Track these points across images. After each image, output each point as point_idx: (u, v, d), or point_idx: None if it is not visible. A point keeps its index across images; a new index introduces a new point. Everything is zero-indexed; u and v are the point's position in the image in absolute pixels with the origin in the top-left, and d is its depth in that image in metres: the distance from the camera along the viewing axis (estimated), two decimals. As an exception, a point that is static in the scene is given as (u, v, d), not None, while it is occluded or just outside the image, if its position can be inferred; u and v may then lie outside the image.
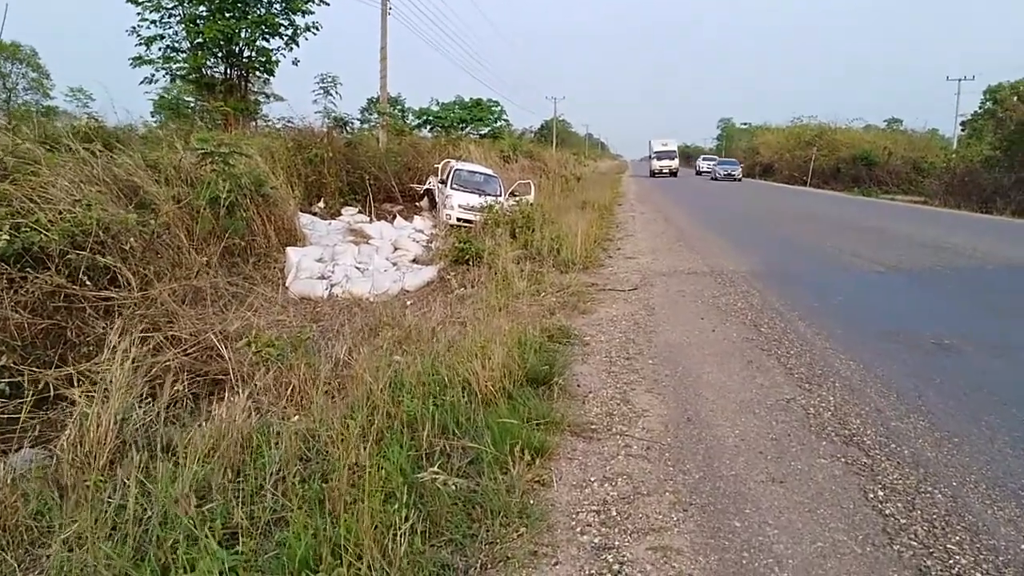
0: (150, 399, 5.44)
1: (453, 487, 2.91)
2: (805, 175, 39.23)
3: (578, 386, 4.43)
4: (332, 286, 9.94)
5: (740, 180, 42.37)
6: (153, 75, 24.17)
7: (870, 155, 36.07)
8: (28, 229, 6.15)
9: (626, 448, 3.46)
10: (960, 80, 43.99)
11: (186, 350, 6.32)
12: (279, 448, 3.76)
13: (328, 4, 25.54)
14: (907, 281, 8.33)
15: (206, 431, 4.10)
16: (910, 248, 11.06)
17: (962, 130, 45.71)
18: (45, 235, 6.21)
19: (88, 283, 6.52)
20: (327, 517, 2.88)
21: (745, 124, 78.49)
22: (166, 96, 14.09)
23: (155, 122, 14.33)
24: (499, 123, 48.43)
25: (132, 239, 7.02)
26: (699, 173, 54.45)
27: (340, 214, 15.47)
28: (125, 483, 3.41)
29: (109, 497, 3.28)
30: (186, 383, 5.60)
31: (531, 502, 2.88)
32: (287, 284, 9.92)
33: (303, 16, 25.19)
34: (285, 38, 26.20)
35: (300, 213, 13.89)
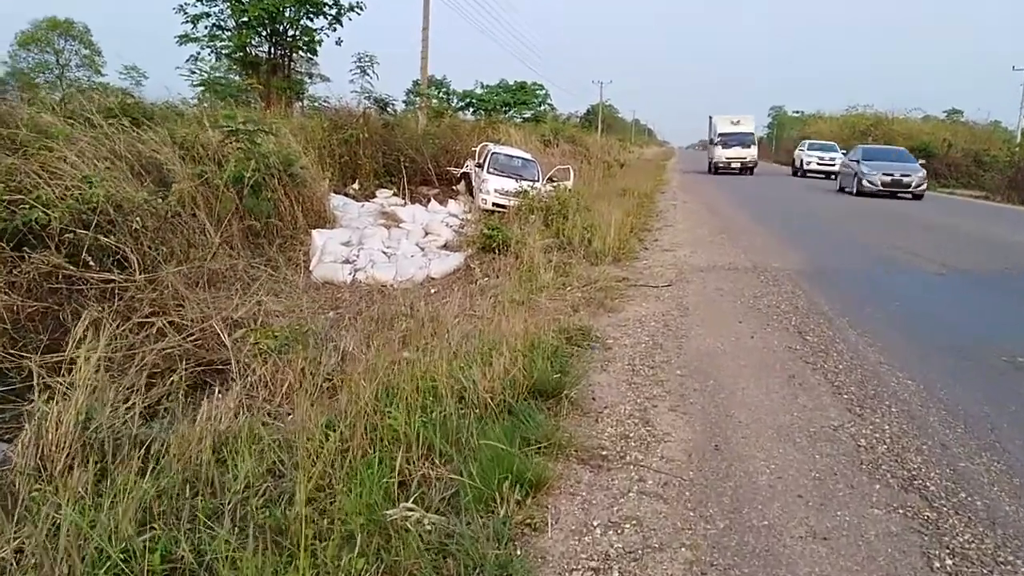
0: (144, 389, 5.18)
1: (428, 527, 2.47)
2: (860, 166, 37.50)
3: (593, 399, 3.91)
4: (356, 271, 9.60)
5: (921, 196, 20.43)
6: (199, 53, 24.23)
7: (929, 147, 34.35)
8: (28, 206, 5.90)
9: (640, 483, 2.95)
10: (1026, 70, 41.47)
11: (190, 336, 6.04)
12: (252, 458, 3.37)
13: (372, -16, 25.19)
14: (972, 285, 7.56)
15: (182, 433, 3.75)
16: (973, 247, 10.18)
17: (1026, 121, 43.23)
18: (44, 213, 5.96)
19: (91, 263, 6.27)
20: (283, 556, 2.48)
21: (797, 112, 75.73)
22: (199, 73, 14.01)
23: (192, 100, 14.16)
24: (543, 107, 47.63)
25: (138, 218, 6.73)
26: (803, 172, 32.16)
27: (374, 196, 15.17)
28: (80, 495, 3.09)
29: (55, 513, 2.94)
30: (185, 372, 5.30)
31: (517, 553, 2.40)
32: (311, 268, 9.62)
33: (348, -5, 24.95)
34: (329, 18, 26.08)
35: (333, 194, 13.65)
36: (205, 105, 14.80)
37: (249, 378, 5.10)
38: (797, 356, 4.75)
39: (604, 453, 3.22)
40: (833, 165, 30.02)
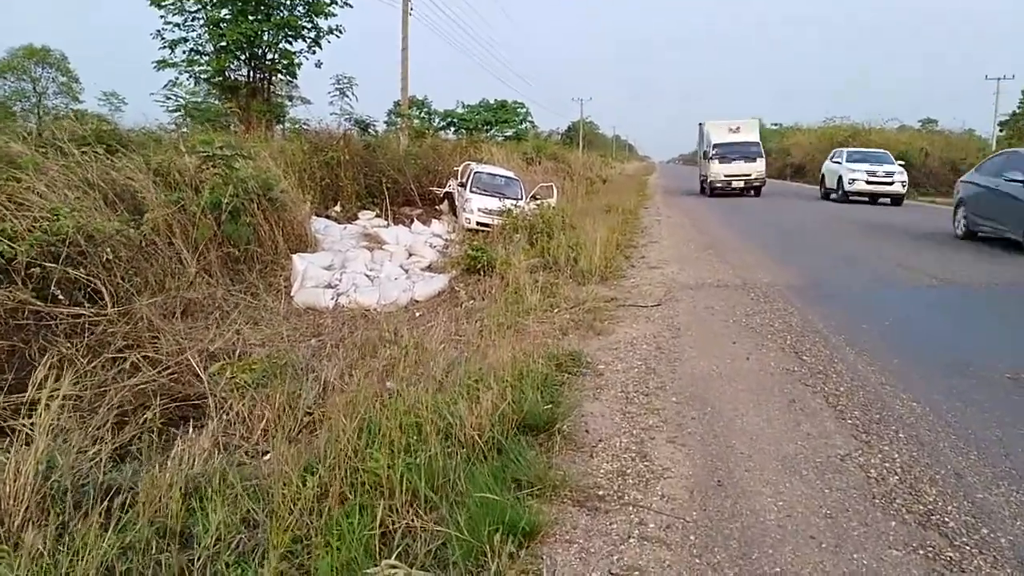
0: (116, 429, 4.93)
1: (412, 586, 2.26)
2: (839, 177, 37.81)
3: (586, 432, 3.72)
4: (339, 295, 9.37)
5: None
6: (177, 78, 24.02)
7: (906, 156, 34.78)
8: (-9, 240, 5.65)
9: (640, 526, 2.75)
10: (999, 79, 42.24)
11: (165, 370, 5.79)
12: (225, 507, 3.14)
13: (351, 6, 25.21)
14: (965, 298, 7.46)
15: (151, 479, 3.51)
16: (961, 257, 10.11)
17: (1000, 130, 43.91)
18: (9, 246, 5.71)
19: (60, 298, 6.02)
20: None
21: (776, 124, 76.51)
22: (175, 99, 13.80)
23: (170, 125, 13.92)
24: (524, 125, 47.78)
25: (109, 249, 6.48)
26: (843, 194, 22.51)
27: (357, 218, 14.99)
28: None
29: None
30: (159, 409, 5.05)
31: (510, 615, 2.20)
32: (292, 293, 9.38)
33: (326, 19, 24.96)
34: (308, 41, 26.02)
35: (315, 217, 13.46)
36: (184, 130, 14.56)
37: (226, 414, 4.88)
38: (795, 378, 4.59)
39: (601, 493, 3.02)
40: (890, 183, 21.85)
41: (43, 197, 6.84)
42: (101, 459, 3.75)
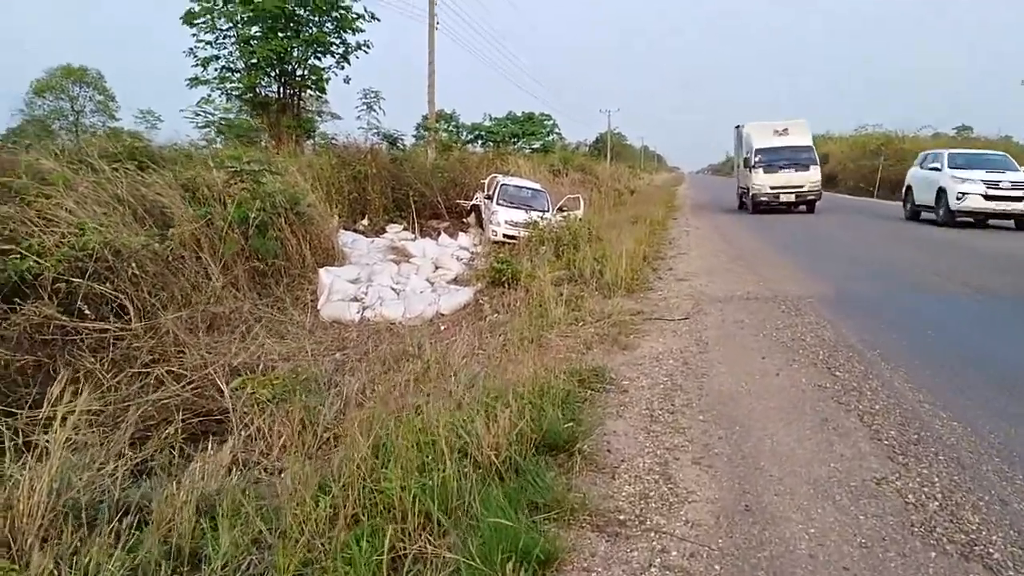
0: (139, 444, 4.95)
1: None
2: (871, 186, 37.15)
3: (608, 451, 3.59)
4: (364, 309, 9.39)
5: None
6: (209, 95, 24.50)
7: (941, 164, 33.97)
8: (18, 256, 5.73)
9: (663, 554, 2.62)
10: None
11: (188, 385, 5.82)
12: (238, 527, 3.08)
13: (379, 20, 25.50)
14: (1010, 311, 7.13)
15: (166, 496, 3.48)
16: (1003, 267, 9.74)
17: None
18: (37, 262, 5.79)
19: (87, 312, 6.08)
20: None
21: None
22: (204, 115, 14.08)
23: (202, 142, 14.16)
24: (551, 137, 47.79)
25: (134, 264, 6.55)
26: (932, 213, 17.20)
27: (384, 231, 15.07)
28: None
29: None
30: (182, 424, 5.07)
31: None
32: (319, 307, 9.41)
33: (354, 34, 25.24)
34: (336, 56, 26.36)
35: (343, 231, 13.57)
36: (216, 146, 14.81)
37: (247, 430, 4.87)
38: (828, 396, 4.41)
39: (621, 518, 2.90)
40: (1021, 199, 15.38)
41: (72, 213, 6.95)
42: (118, 476, 3.72)
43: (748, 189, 22.11)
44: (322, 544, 2.77)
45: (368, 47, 26.16)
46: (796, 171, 20.70)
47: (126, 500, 3.66)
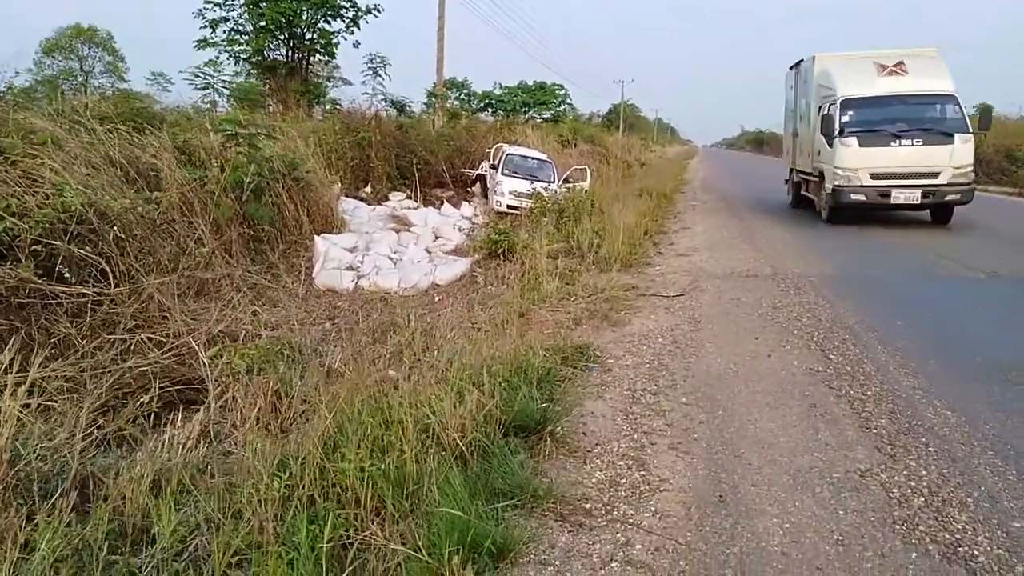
0: (114, 411, 4.86)
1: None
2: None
3: (583, 434, 3.44)
4: (359, 278, 9.25)
5: None
6: (217, 57, 24.21)
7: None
8: (-3, 216, 5.58)
9: (626, 547, 2.48)
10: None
11: (168, 352, 5.71)
12: (188, 507, 2.97)
13: (388, -16, 24.98)
14: (1015, 293, 6.89)
15: (126, 469, 3.38)
16: (1013, 249, 9.42)
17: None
18: (16, 223, 5.65)
19: (67, 276, 5.96)
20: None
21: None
22: (203, 77, 13.82)
23: (205, 103, 13.92)
24: (563, 107, 47.06)
25: (115, 227, 6.40)
26: None
27: (387, 199, 14.87)
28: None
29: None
30: (159, 392, 4.96)
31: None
32: (314, 275, 9.28)
33: (364, -2, 24.81)
34: (346, 20, 25.94)
35: (345, 198, 13.39)
36: (218, 109, 14.55)
37: (222, 401, 4.76)
38: (819, 380, 4.23)
39: (587, 506, 2.75)
40: None
41: (57, 174, 6.79)
42: (76, 446, 3.61)
43: (819, 174, 12.23)
44: (273, 527, 2.65)
45: (379, 11, 25.74)
46: (925, 144, 10.99)
47: (86, 471, 3.56)
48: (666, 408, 3.79)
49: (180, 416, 4.51)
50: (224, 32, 24.89)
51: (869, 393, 3.99)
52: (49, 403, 4.58)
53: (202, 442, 4.08)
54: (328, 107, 24.40)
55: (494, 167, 15.45)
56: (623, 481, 2.98)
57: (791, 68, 15.30)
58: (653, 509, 2.75)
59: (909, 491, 2.88)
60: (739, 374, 4.34)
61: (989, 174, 30.66)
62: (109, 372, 5.15)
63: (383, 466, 2.79)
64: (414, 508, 2.63)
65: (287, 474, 2.99)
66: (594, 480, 2.99)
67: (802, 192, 13.87)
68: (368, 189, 15.20)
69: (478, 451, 3.05)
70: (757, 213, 14.04)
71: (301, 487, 2.85)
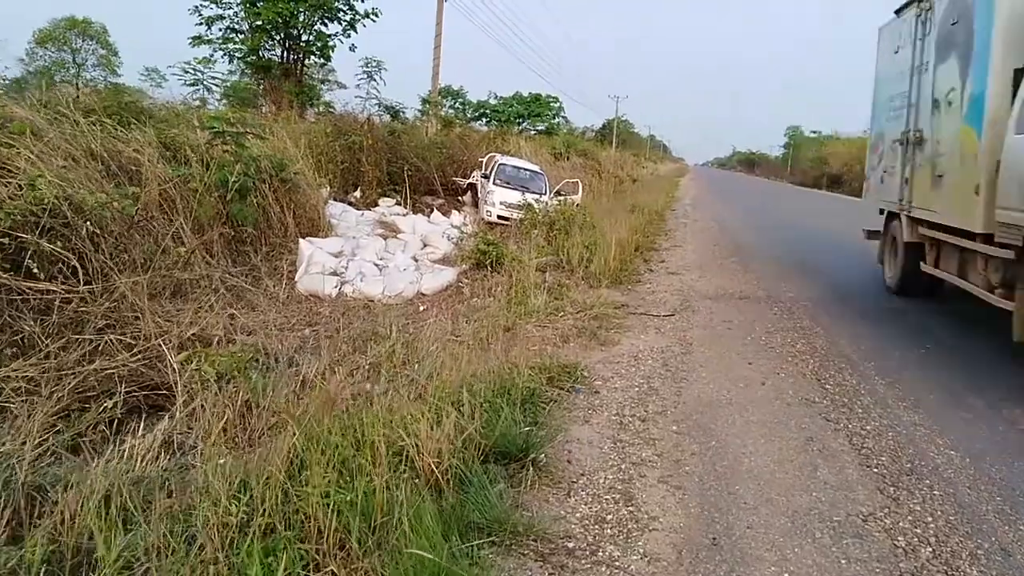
0: (77, 416, 4.61)
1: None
2: (878, 188, 36.57)
3: (568, 463, 3.23)
4: (343, 284, 9.00)
5: None
6: (211, 55, 23.93)
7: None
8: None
9: (610, 594, 2.28)
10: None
11: (139, 355, 5.45)
12: (140, 527, 2.73)
13: (388, -11, 24.87)
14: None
15: (68, 484, 3.14)
16: None
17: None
18: (-22, 216, 5.38)
19: (36, 272, 5.69)
20: None
21: (815, 132, 74.26)
22: (191, 73, 13.60)
23: (195, 100, 13.66)
24: (557, 120, 47.04)
25: (89, 223, 6.15)
26: None
27: (377, 205, 14.66)
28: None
29: None
30: (125, 397, 4.71)
31: None
32: (296, 279, 9.03)
33: (362, 1, 24.63)
34: (343, 24, 25.77)
35: (333, 201, 13.17)
36: (214, 106, 14.32)
37: (189, 408, 4.52)
38: (816, 411, 4.05)
39: (571, 545, 2.54)
40: None
41: (33, 164, 6.53)
42: (25, 455, 3.36)
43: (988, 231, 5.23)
44: (226, 557, 2.42)
45: (376, 15, 25.56)
46: None
47: (34, 484, 3.31)
48: (656, 436, 3.59)
49: (144, 424, 4.27)
50: (220, 30, 24.62)
51: (868, 428, 3.80)
52: (5, 404, 4.33)
53: (163, 454, 3.84)
54: (320, 109, 24.23)
55: (486, 177, 15.30)
56: (609, 518, 2.77)
57: (896, 14, 8.17)
58: (641, 551, 2.54)
59: (916, 540, 2.69)
60: (732, 402, 4.15)
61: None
62: (73, 374, 4.90)
63: (349, 495, 2.57)
64: (382, 542, 2.40)
65: (247, 495, 2.77)
66: (578, 515, 2.77)
67: (924, 266, 6.94)
68: (357, 194, 15.00)
69: (455, 479, 2.83)
70: (750, 233, 13.93)
71: (261, 511, 2.63)
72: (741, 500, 2.95)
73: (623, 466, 3.23)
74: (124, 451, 3.73)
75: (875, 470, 3.30)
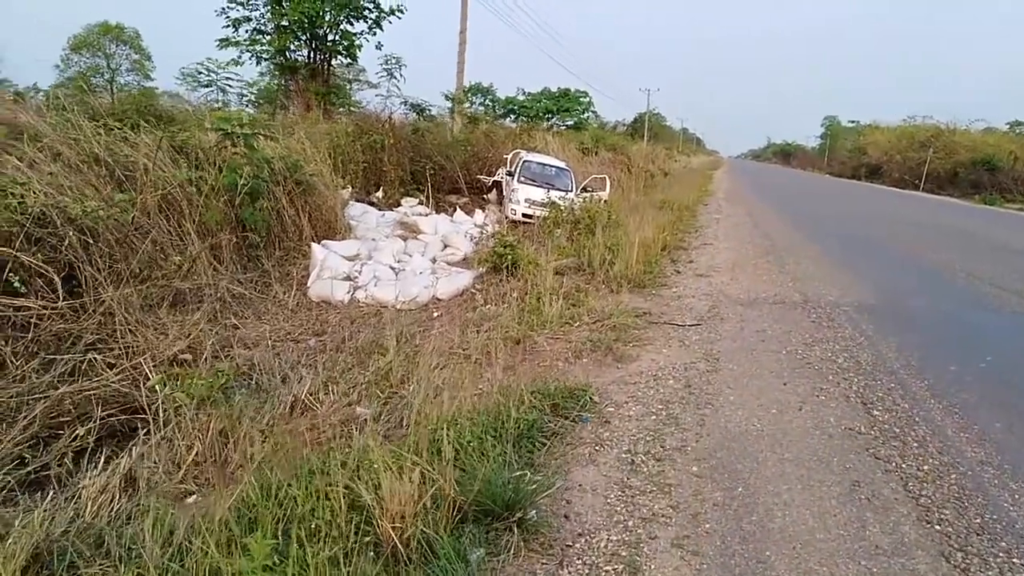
0: (46, 444, 4.30)
1: None
2: (917, 179, 35.35)
3: (565, 518, 2.73)
4: (356, 289, 8.63)
5: None
6: (239, 56, 23.92)
7: (993, 160, 32.35)
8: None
9: None
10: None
11: (121, 374, 5.12)
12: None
13: (413, -13, 24.58)
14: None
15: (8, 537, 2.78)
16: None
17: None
18: (-49, 226, 5.09)
19: (17, 286, 5.39)
20: None
21: (853, 122, 71.98)
22: (206, 74, 13.38)
23: (216, 103, 13.47)
24: (586, 114, 46.27)
25: (72, 232, 5.83)
26: None
27: (399, 204, 14.32)
28: None
29: None
30: (99, 422, 4.38)
31: None
32: (308, 284, 8.68)
33: (387, -1, 24.37)
34: (369, 22, 25.56)
35: (355, 202, 12.87)
36: (238, 107, 14.11)
37: (161, 434, 4.17)
38: (862, 446, 3.47)
39: (556, 640, 2.06)
40: None
41: (20, 171, 6.26)
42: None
43: None
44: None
45: (402, 12, 25.27)
46: None
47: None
48: (672, 482, 3.06)
49: (115, 453, 3.94)
50: (247, 32, 24.61)
51: (926, 469, 3.23)
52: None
53: (121, 496, 3.47)
54: (350, 109, 24.04)
55: (510, 174, 14.84)
56: (609, 597, 2.27)
57: None
58: (645, 649, 2.04)
59: (994, 634, 2.14)
60: (764, 434, 3.60)
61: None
62: (45, 397, 4.57)
63: (299, 567, 2.12)
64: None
65: (181, 562, 2.35)
66: (571, 593, 2.28)
67: None
68: (380, 193, 14.67)
69: (421, 546, 2.36)
70: (786, 228, 13.18)
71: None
72: (773, 571, 2.42)
73: (630, 523, 2.71)
74: (79, 491, 3.39)
75: (937, 527, 2.73)
